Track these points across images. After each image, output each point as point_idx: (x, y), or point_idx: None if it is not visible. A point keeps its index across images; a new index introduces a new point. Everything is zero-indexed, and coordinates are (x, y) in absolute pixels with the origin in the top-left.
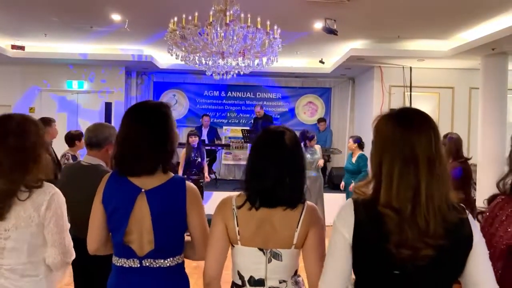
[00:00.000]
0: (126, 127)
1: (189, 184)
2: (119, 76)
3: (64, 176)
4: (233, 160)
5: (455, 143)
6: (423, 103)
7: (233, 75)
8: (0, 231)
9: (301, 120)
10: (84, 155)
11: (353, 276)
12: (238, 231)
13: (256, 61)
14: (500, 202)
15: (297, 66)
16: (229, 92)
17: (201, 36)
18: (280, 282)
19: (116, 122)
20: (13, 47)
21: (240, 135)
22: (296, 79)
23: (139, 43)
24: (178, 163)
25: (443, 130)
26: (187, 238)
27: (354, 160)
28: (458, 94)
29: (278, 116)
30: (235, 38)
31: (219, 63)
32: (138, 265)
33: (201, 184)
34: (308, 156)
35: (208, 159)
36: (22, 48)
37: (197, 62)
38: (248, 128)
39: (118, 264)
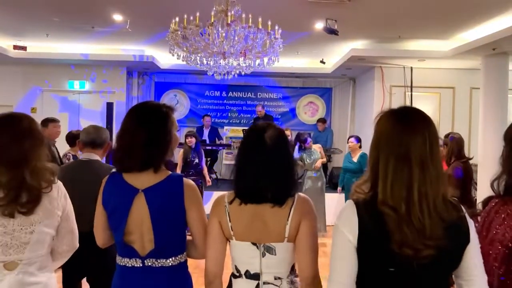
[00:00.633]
0: (124, 124)
1: (187, 180)
2: (121, 76)
3: (70, 171)
4: (234, 160)
5: (457, 142)
6: (424, 103)
7: (234, 75)
8: (26, 225)
9: (302, 120)
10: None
11: None
12: (231, 227)
13: (257, 61)
14: (495, 205)
15: (298, 66)
16: (230, 92)
17: (203, 36)
18: (275, 279)
19: (117, 123)
20: (15, 47)
21: (241, 135)
22: (297, 79)
23: (141, 43)
24: (176, 164)
25: (444, 130)
26: (188, 237)
27: (355, 159)
28: (459, 94)
29: (279, 116)
30: (236, 38)
31: (220, 63)
32: (141, 265)
33: (200, 184)
34: (304, 156)
35: (209, 159)
36: (24, 48)
37: (199, 62)
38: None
39: (121, 264)
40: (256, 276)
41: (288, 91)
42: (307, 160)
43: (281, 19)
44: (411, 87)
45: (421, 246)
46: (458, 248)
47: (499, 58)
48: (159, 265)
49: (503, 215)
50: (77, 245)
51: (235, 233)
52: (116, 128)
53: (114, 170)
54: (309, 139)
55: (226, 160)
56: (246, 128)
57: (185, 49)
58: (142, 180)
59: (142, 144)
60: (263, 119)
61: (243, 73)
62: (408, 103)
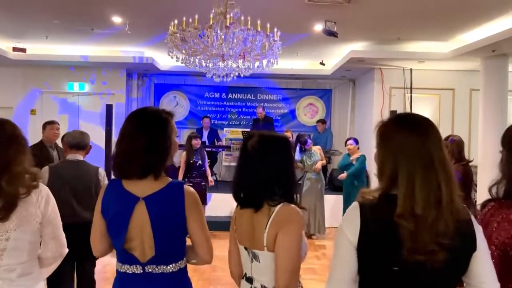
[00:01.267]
0: (123, 130)
1: (188, 188)
2: (120, 78)
3: (61, 170)
4: (234, 161)
5: (457, 145)
6: (424, 105)
7: (233, 77)
8: (2, 232)
9: (301, 121)
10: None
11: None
12: (235, 229)
13: (256, 64)
14: (491, 208)
15: (297, 67)
16: (230, 94)
17: (201, 38)
18: (261, 287)
19: (117, 124)
20: (15, 49)
21: (241, 136)
22: (296, 81)
23: (140, 45)
24: (179, 167)
25: (443, 132)
26: (188, 242)
27: (354, 161)
28: (458, 96)
29: (279, 118)
30: (235, 40)
31: (219, 65)
32: (141, 271)
33: (203, 187)
34: (304, 157)
35: (209, 160)
36: (23, 50)
37: (198, 64)
38: (248, 129)
39: (121, 270)
40: (250, 280)
41: (287, 93)
42: (307, 161)
43: (280, 21)
44: (411, 88)
45: (435, 247)
46: (466, 251)
47: (498, 60)
48: (160, 271)
49: (497, 219)
50: (64, 252)
51: (237, 236)
52: (115, 130)
53: (111, 176)
54: (309, 141)
55: (226, 161)
56: (245, 130)
57: (184, 51)
58: (142, 187)
59: (141, 150)
60: (263, 121)
61: (242, 75)
62: (407, 105)
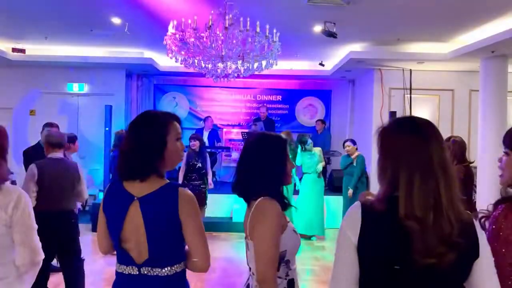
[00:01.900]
0: (128, 132)
1: (182, 190)
2: (120, 78)
3: (47, 166)
4: (234, 162)
5: (459, 146)
6: (423, 106)
7: (232, 78)
8: None
9: (301, 122)
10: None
11: None
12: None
13: (256, 64)
14: (503, 210)
15: (297, 68)
16: (230, 95)
17: (201, 39)
18: (252, 273)
19: (116, 125)
20: (14, 50)
21: (240, 137)
22: (296, 82)
23: (140, 45)
24: (179, 168)
25: (443, 133)
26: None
27: (354, 162)
28: (458, 97)
29: (278, 118)
30: (234, 41)
31: (218, 66)
32: (137, 273)
33: (203, 189)
34: (307, 159)
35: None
36: (22, 51)
37: (197, 65)
38: (248, 130)
39: (119, 271)
40: (249, 267)
41: (287, 93)
42: (308, 161)
43: (279, 22)
44: (410, 89)
45: (444, 249)
46: (469, 254)
47: (498, 61)
48: (155, 274)
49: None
50: (37, 259)
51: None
52: (115, 130)
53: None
54: (309, 140)
55: (225, 162)
56: (245, 130)
57: (183, 52)
58: (140, 188)
59: (133, 149)
60: (265, 122)
61: (241, 76)
62: (407, 106)
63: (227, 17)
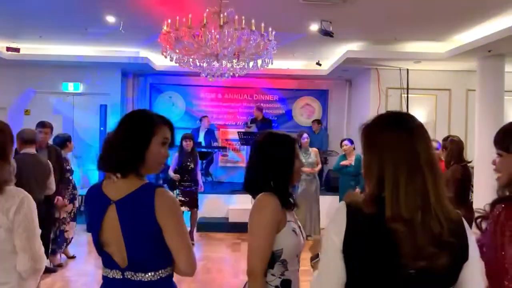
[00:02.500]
0: (118, 125)
1: (160, 191)
2: (115, 78)
3: (24, 161)
4: (230, 162)
5: (457, 145)
6: (420, 106)
7: (228, 76)
8: None
9: (298, 122)
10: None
11: None
12: None
13: (251, 63)
14: (503, 210)
15: (294, 68)
16: (226, 94)
17: (195, 38)
18: None
19: (111, 125)
20: (8, 49)
21: (237, 137)
22: (293, 81)
23: (135, 45)
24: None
25: (440, 133)
26: None
27: (352, 162)
28: (455, 96)
29: (275, 118)
30: (229, 40)
31: (213, 65)
32: (121, 277)
33: (195, 191)
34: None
35: (205, 161)
36: (17, 50)
37: (192, 64)
38: (244, 130)
39: (104, 274)
40: None
41: (284, 93)
42: (304, 162)
43: (275, 21)
44: (407, 89)
45: (436, 250)
46: (460, 253)
47: (495, 60)
48: (138, 278)
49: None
50: (39, 267)
51: None
52: (109, 130)
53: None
54: (305, 135)
55: (222, 162)
56: (241, 130)
57: (177, 51)
58: (117, 189)
59: (116, 142)
60: (261, 122)
61: (236, 75)
62: (404, 106)
63: (221, 15)
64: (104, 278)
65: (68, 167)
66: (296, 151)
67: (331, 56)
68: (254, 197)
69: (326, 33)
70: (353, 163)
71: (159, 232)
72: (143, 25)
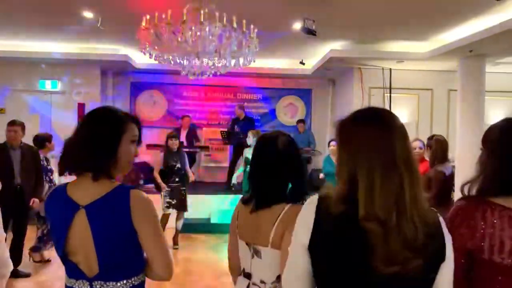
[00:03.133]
0: (81, 123)
1: (136, 193)
2: (95, 76)
3: None
4: (213, 162)
5: (441, 145)
6: (403, 105)
7: (209, 74)
8: None
9: (281, 121)
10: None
11: None
12: (237, 225)
13: (233, 61)
14: (460, 208)
15: (277, 67)
16: (209, 93)
17: (175, 35)
18: (260, 282)
19: None
20: None
21: (220, 137)
22: (276, 80)
23: (115, 42)
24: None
25: (422, 132)
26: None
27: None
28: (437, 96)
29: (259, 117)
30: (210, 37)
31: (194, 63)
32: (88, 287)
33: (184, 192)
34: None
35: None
36: None
37: (172, 62)
38: (226, 129)
39: (68, 285)
40: (248, 276)
41: (268, 92)
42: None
43: (257, 19)
44: (390, 88)
45: (410, 255)
46: (437, 255)
47: (475, 60)
48: None
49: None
50: (5, 272)
51: (239, 232)
52: None
53: None
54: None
55: (205, 162)
56: (223, 130)
57: (156, 47)
58: (85, 192)
59: (84, 141)
60: (244, 121)
61: (218, 73)
62: (387, 105)
63: (202, 12)
64: None
65: (49, 167)
66: None
67: (315, 56)
68: (264, 206)
69: (310, 32)
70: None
71: (134, 236)
72: (122, 21)
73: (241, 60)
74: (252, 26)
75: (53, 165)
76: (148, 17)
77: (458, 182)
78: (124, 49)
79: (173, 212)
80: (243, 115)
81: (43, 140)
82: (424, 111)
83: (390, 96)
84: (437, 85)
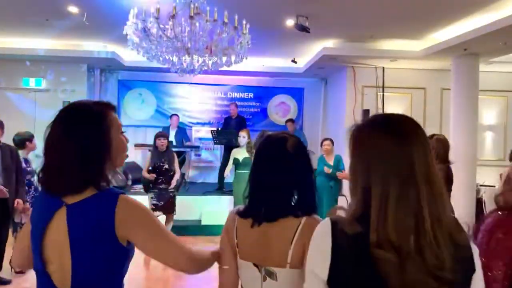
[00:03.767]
0: (49, 134)
1: (124, 198)
2: (81, 73)
3: None
4: (203, 162)
5: (443, 145)
6: (396, 104)
7: (199, 72)
8: None
9: (273, 120)
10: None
11: None
12: (237, 244)
13: (224, 59)
14: (497, 219)
15: (269, 65)
16: (199, 92)
17: (164, 30)
18: None
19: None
20: None
21: (210, 136)
22: (268, 79)
23: (102, 38)
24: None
25: None
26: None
27: (331, 162)
28: (430, 95)
29: (250, 117)
30: (200, 33)
31: (184, 59)
32: None
33: (172, 194)
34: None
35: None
36: None
37: (160, 58)
38: (217, 128)
39: None
40: None
41: (259, 91)
42: None
43: (249, 16)
44: (383, 87)
45: (435, 284)
46: (467, 277)
47: (469, 59)
48: None
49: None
50: None
51: (240, 251)
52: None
53: None
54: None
55: (195, 162)
56: (214, 129)
57: (144, 44)
58: (71, 196)
59: (73, 160)
60: (236, 119)
61: (209, 70)
62: (380, 104)
63: (192, 6)
64: None
65: (29, 169)
66: None
67: (307, 54)
68: (276, 218)
69: (303, 29)
70: (332, 164)
71: (116, 249)
72: (110, 17)
73: (233, 58)
74: (244, 22)
75: (34, 166)
76: (135, 10)
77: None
78: (112, 46)
79: (161, 215)
80: (236, 114)
81: (23, 140)
82: (417, 110)
83: (383, 95)
84: (430, 84)
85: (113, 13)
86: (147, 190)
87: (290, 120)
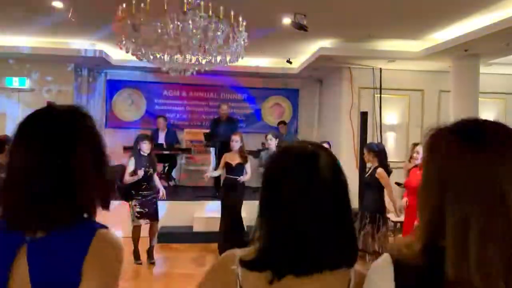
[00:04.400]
0: (14, 153)
1: (103, 234)
2: (68, 72)
3: None
4: (194, 165)
5: None
6: (393, 106)
7: (192, 72)
8: None
9: (267, 122)
10: None
11: None
12: None
13: (219, 58)
14: None
15: (263, 65)
16: (191, 92)
17: (155, 26)
18: None
19: None
20: None
21: (202, 138)
22: (262, 80)
23: (90, 36)
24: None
25: (413, 134)
26: None
27: None
28: (427, 97)
29: (243, 118)
30: (194, 30)
31: (176, 58)
32: None
33: (155, 201)
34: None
35: (167, 164)
36: None
37: (151, 57)
38: (209, 130)
39: None
40: None
41: (252, 92)
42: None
43: (245, 13)
44: (380, 89)
45: None
46: None
47: (470, 60)
48: None
49: None
50: None
51: None
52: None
53: None
54: (269, 136)
55: (186, 165)
56: (206, 131)
57: (133, 40)
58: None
59: (50, 191)
60: (226, 121)
61: (202, 70)
62: (377, 106)
63: (185, 1)
64: None
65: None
66: None
67: (302, 54)
68: (315, 271)
69: (300, 27)
70: None
71: None
72: (98, 13)
73: (228, 57)
74: (240, 18)
75: None
76: (124, 5)
77: None
78: (100, 44)
79: (148, 223)
80: (227, 115)
81: (1, 143)
82: (414, 113)
83: (380, 96)
84: (428, 85)
85: (100, 8)
86: (128, 198)
87: (282, 122)
